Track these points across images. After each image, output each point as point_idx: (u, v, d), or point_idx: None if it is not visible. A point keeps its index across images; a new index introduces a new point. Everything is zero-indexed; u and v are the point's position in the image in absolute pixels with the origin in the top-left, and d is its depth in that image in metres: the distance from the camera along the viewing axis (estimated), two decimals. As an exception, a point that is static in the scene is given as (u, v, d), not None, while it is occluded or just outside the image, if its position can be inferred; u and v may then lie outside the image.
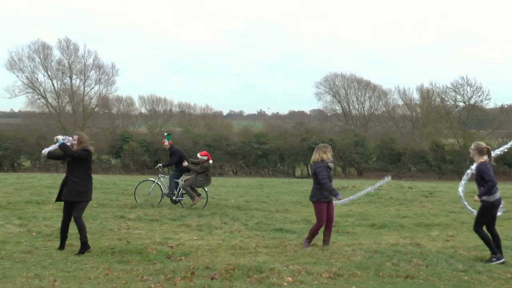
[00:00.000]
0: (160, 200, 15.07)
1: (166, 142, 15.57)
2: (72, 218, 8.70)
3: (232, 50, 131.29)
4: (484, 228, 8.51)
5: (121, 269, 7.37)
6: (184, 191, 14.88)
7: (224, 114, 70.05)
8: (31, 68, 47.52)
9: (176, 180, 15.14)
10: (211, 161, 15.03)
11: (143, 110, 58.08)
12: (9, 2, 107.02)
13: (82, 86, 48.92)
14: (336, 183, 23.01)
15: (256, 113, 77.83)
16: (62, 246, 8.80)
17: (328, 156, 9.32)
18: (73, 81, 48.68)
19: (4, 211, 13.12)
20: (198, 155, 15.12)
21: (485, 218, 8.48)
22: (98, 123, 48.97)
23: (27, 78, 47.38)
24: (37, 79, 47.88)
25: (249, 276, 6.99)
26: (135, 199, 15.14)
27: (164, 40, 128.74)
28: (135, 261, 7.91)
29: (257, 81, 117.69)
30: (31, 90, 47.63)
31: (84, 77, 48.62)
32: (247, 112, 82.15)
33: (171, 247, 9.01)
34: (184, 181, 15.06)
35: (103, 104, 51.16)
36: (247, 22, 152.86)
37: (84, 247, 8.53)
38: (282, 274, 7.05)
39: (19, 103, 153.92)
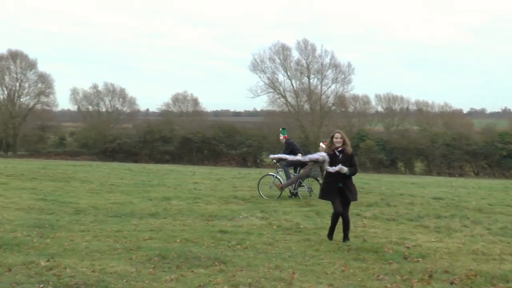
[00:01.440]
0: (280, 194, 15.53)
1: (281, 137, 16.21)
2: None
3: (474, 45, 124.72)
4: None
5: (357, 266, 7.41)
6: (302, 184, 15.41)
7: (464, 112, 67.03)
8: (271, 69, 50.40)
9: (289, 172, 15.71)
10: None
11: (379, 109, 58.02)
12: (251, 9, 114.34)
13: (319, 85, 50.51)
14: None
15: (500, 110, 73.58)
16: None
17: None
18: (311, 81, 50.48)
19: (248, 204, 14.06)
20: (321, 143, 14.80)
21: None
22: (335, 121, 49.96)
23: (268, 78, 50.27)
24: (277, 79, 50.60)
25: (493, 284, 6.52)
26: (259, 193, 15.71)
27: (400, 37, 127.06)
28: (371, 260, 7.89)
29: (502, 76, 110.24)
30: (272, 90, 50.42)
31: (321, 76, 50.08)
32: (490, 110, 77.73)
33: (408, 247, 8.82)
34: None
35: (339, 102, 52.13)
36: (490, 15, 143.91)
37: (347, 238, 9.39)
38: (531, 285, 6.46)
39: (260, 103, 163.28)
